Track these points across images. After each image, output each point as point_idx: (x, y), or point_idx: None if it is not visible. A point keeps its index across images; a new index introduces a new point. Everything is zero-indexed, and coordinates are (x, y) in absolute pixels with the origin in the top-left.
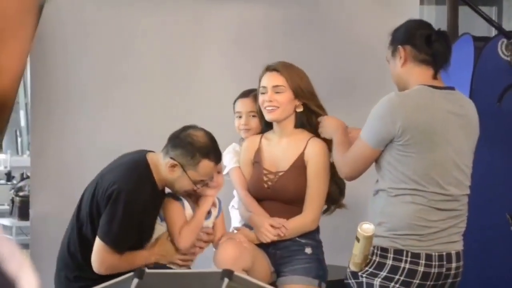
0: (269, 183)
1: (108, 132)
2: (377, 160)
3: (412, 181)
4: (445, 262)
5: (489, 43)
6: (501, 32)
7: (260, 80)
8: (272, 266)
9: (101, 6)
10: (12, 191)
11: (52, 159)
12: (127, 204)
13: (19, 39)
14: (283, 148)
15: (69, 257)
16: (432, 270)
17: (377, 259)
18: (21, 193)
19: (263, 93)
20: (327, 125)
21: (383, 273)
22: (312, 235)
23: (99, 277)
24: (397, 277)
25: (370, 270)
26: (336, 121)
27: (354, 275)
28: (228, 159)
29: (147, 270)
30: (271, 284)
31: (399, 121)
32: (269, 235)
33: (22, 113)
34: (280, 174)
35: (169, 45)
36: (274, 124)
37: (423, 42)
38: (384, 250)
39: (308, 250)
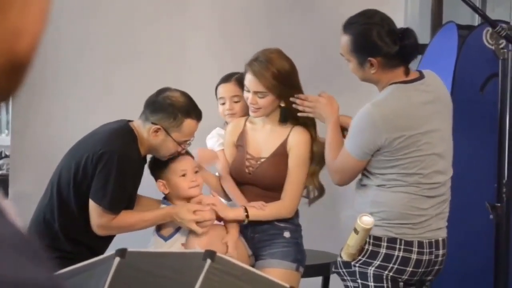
0: (251, 168)
1: (89, 112)
2: None
3: (405, 175)
4: (434, 249)
5: (474, 31)
6: (486, 20)
7: (244, 75)
8: (250, 249)
9: None
10: None
11: (32, 138)
12: (120, 165)
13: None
14: (267, 133)
15: (43, 225)
16: (424, 257)
17: (370, 248)
18: None
19: (247, 91)
20: (323, 107)
21: (377, 262)
22: (291, 219)
23: (72, 250)
24: (390, 265)
25: (363, 259)
26: (332, 107)
27: (346, 264)
28: (212, 142)
29: (129, 249)
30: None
31: (383, 134)
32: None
33: None
34: (262, 160)
35: (152, 31)
36: None
37: (392, 45)
38: (378, 239)
39: (286, 234)
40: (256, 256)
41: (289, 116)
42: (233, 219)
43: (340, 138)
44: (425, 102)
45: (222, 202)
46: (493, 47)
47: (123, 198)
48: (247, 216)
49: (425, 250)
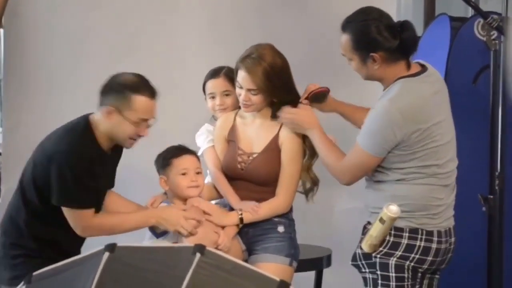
0: (243, 164)
1: (81, 109)
2: None
3: (424, 167)
4: (448, 237)
5: (466, 23)
6: (478, 12)
7: (236, 69)
8: (244, 244)
9: None
10: None
11: (24, 136)
12: (71, 164)
13: None
14: (258, 128)
15: (9, 222)
16: (442, 246)
17: (392, 239)
18: None
19: (239, 88)
20: (302, 118)
21: (399, 252)
22: (285, 214)
23: (36, 247)
24: (412, 255)
25: (385, 250)
26: (312, 117)
27: (366, 256)
28: (202, 140)
29: (119, 244)
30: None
31: (403, 129)
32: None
33: None
34: (254, 155)
35: (143, 24)
36: None
37: (392, 39)
38: (399, 229)
39: (280, 229)
40: (250, 251)
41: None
42: (228, 225)
43: (331, 140)
44: (433, 93)
45: (218, 208)
46: (484, 39)
47: (88, 193)
48: (242, 221)
49: (442, 239)
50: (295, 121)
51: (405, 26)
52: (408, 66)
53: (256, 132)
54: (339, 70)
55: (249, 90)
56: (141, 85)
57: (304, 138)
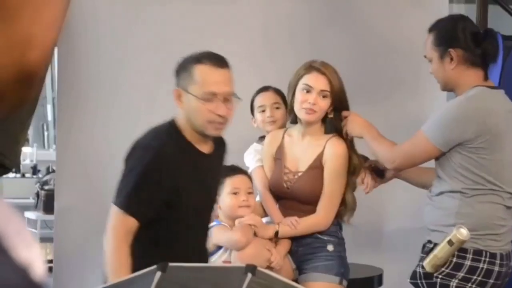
0: (289, 183)
1: (134, 127)
2: (441, 162)
3: (488, 182)
4: (508, 261)
5: None
6: None
7: (301, 76)
8: (294, 263)
9: (133, 1)
10: (38, 184)
11: (77, 154)
12: (141, 158)
13: (52, 7)
14: (304, 146)
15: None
16: (504, 269)
17: (455, 260)
18: (46, 187)
19: (307, 92)
20: (355, 123)
21: (461, 274)
22: (335, 232)
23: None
24: (474, 277)
25: (447, 271)
26: (363, 119)
27: (427, 275)
28: (250, 159)
29: (170, 264)
30: (293, 281)
31: (474, 125)
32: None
33: (49, 107)
34: (299, 174)
35: (196, 43)
36: (302, 121)
37: (474, 44)
38: (463, 251)
39: (330, 247)
40: (300, 270)
41: (333, 128)
42: (264, 237)
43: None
44: (508, 110)
45: (261, 222)
46: None
47: (144, 199)
48: (277, 234)
49: (504, 262)
50: (350, 126)
51: (489, 33)
52: (486, 77)
53: (302, 151)
54: (386, 87)
55: (321, 91)
56: (203, 55)
57: (351, 156)
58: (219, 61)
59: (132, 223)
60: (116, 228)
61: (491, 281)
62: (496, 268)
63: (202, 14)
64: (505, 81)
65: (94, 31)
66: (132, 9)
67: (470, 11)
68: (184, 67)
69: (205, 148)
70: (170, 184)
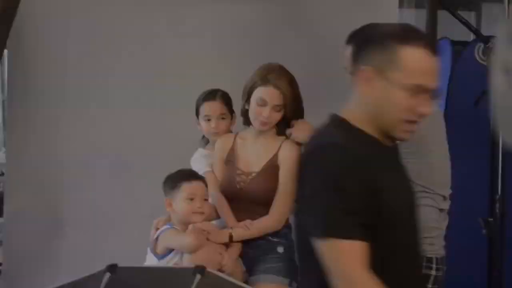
0: (242, 183)
1: (85, 129)
2: None
3: (419, 186)
4: (443, 266)
5: (467, 47)
6: (478, 36)
7: (256, 86)
8: (244, 265)
9: (84, 3)
10: None
11: (27, 157)
12: (320, 172)
13: None
14: (257, 148)
15: None
16: (440, 274)
17: None
18: None
19: (261, 105)
20: (302, 130)
21: None
22: (285, 235)
23: None
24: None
25: None
26: (310, 125)
27: None
28: (198, 166)
29: (120, 265)
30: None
31: None
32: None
33: None
34: (253, 175)
35: (150, 47)
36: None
37: None
38: None
39: (280, 249)
40: (250, 272)
41: (285, 128)
42: (219, 242)
43: None
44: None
45: (214, 227)
46: (485, 62)
47: (344, 217)
48: (231, 238)
49: (440, 267)
50: (298, 133)
51: None
52: None
53: (256, 152)
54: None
55: (275, 106)
56: (410, 34)
57: None
58: (431, 44)
59: (359, 246)
60: (351, 263)
61: (429, 286)
62: (433, 273)
63: (157, 20)
64: (454, 85)
65: (44, 32)
66: (83, 12)
67: (420, 16)
68: (381, 43)
69: (386, 141)
70: (383, 184)
